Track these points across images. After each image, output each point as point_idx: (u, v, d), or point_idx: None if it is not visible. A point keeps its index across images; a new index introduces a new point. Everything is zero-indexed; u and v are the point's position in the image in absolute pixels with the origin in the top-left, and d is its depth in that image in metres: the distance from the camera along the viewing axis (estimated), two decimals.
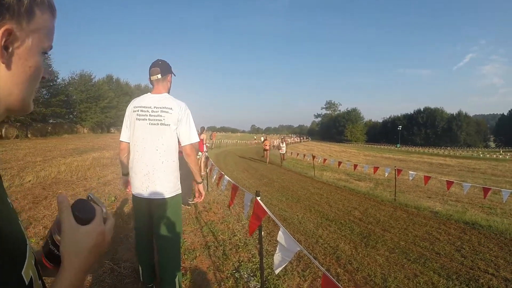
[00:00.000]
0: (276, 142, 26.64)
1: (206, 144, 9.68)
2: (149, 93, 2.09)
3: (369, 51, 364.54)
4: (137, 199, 2.07)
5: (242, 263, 3.03)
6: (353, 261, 3.38)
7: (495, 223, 4.99)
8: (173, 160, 2.04)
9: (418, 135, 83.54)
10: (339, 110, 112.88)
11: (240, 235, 3.83)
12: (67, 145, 15.58)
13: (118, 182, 6.43)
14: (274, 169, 13.33)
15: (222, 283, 2.63)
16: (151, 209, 2.06)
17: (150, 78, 2.05)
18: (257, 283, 2.62)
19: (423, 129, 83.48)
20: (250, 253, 3.30)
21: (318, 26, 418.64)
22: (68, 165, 8.24)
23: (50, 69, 25.25)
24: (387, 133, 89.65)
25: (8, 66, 0.40)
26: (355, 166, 10.71)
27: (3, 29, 0.38)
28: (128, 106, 2.10)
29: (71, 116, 33.84)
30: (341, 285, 1.36)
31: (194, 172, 2.13)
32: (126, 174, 2.18)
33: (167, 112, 1.97)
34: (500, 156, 37.85)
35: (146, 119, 1.98)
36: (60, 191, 5.49)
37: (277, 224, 1.82)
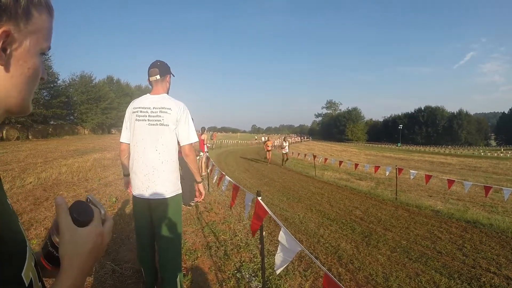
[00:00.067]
0: (277, 142, 26.57)
1: (207, 145, 9.69)
2: (148, 94, 2.11)
3: (369, 50, 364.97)
4: (137, 200, 2.07)
5: (243, 263, 3.03)
6: (355, 261, 3.38)
7: (497, 221, 4.98)
8: (173, 160, 2.05)
9: (419, 134, 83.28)
10: (340, 110, 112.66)
11: (241, 235, 3.84)
12: (68, 146, 15.59)
13: (120, 183, 6.44)
14: (275, 169, 13.32)
15: (224, 284, 2.63)
16: (151, 209, 2.07)
17: (149, 79, 2.07)
18: (259, 283, 2.62)
19: (424, 128, 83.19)
20: (251, 253, 3.30)
21: (318, 25, 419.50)
22: (69, 166, 8.24)
23: (50, 70, 25.39)
24: (388, 132, 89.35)
25: (7, 68, 0.40)
26: (356, 165, 10.73)
27: (0, 31, 0.38)
28: (128, 107, 2.12)
29: (72, 117, 33.91)
30: (342, 284, 1.35)
31: (194, 171, 2.15)
32: (127, 175, 2.19)
33: (166, 112, 1.98)
34: (501, 155, 37.73)
35: (146, 120, 1.99)
36: (61, 192, 5.49)
37: (278, 224, 1.82)
